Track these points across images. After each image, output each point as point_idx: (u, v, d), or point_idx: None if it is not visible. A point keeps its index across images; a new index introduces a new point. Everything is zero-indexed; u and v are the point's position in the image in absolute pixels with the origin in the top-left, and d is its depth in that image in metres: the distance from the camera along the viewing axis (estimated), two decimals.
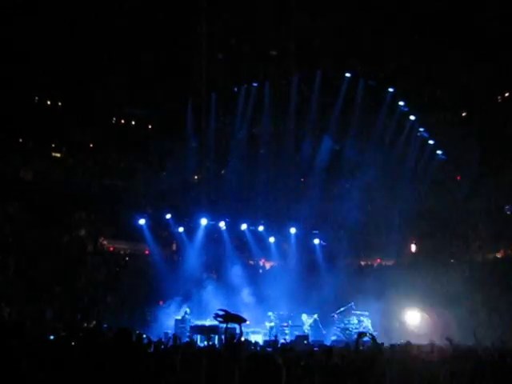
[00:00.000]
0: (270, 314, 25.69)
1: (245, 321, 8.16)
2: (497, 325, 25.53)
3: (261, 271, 33.24)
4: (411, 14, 28.71)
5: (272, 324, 25.44)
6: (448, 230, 33.72)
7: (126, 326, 9.04)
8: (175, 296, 26.09)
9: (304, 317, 26.36)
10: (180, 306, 25.65)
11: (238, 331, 8.92)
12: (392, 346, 15.52)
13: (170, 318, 25.04)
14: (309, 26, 29.05)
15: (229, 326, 8.63)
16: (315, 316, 26.54)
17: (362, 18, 28.99)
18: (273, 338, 23.41)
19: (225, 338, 10.57)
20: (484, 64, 29.74)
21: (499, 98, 33.94)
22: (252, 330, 24.75)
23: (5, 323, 13.67)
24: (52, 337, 13.62)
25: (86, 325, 23.31)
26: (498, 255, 31.73)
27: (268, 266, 33.83)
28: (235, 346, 9.35)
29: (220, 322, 8.40)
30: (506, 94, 33.64)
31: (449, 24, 28.55)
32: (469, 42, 29.07)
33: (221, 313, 8.18)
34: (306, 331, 25.83)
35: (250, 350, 15.66)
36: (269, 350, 17.19)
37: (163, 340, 21.78)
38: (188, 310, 25.04)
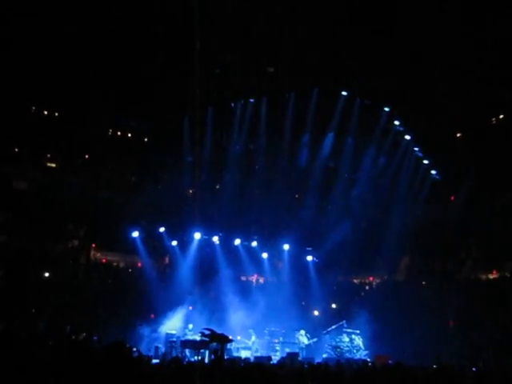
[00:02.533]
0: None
1: (230, 340, 8.19)
2: (486, 345, 25.63)
3: (253, 287, 33.14)
4: (409, 34, 28.94)
5: (253, 339, 25.18)
6: (441, 250, 33.81)
7: (116, 338, 8.98)
8: (167, 309, 25.97)
9: (302, 332, 26.17)
10: (169, 320, 25.52)
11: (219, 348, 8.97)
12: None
13: (161, 332, 24.90)
14: (306, 43, 29.24)
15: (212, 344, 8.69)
16: (307, 334, 26.42)
17: (359, 37, 29.20)
18: (262, 354, 23.35)
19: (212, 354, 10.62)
20: (479, 85, 29.98)
21: (494, 119, 34.17)
22: (243, 345, 24.67)
23: None
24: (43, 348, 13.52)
25: (75, 337, 23.12)
26: (491, 276, 31.77)
27: (261, 281, 33.74)
28: (219, 361, 9.38)
29: (206, 341, 8.45)
30: (501, 116, 33.87)
31: (445, 45, 28.81)
32: (464, 64, 29.32)
33: (206, 332, 8.21)
34: (303, 346, 25.70)
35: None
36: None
37: (153, 354, 21.79)
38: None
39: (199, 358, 21.31)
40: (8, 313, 22.76)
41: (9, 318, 22.37)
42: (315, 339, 26.27)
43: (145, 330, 24.74)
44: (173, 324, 25.13)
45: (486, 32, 27.68)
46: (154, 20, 29.22)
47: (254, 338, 25.13)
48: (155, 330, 24.76)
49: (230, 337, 22.19)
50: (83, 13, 28.12)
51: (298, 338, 26.05)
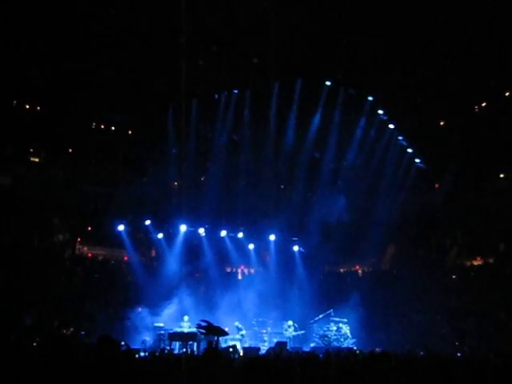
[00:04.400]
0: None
1: (226, 334, 8.21)
2: (473, 332, 25.92)
3: (240, 278, 33.22)
4: (391, 22, 28.97)
5: (243, 332, 25.22)
6: (426, 238, 34.09)
7: (104, 332, 8.97)
8: (153, 302, 25.99)
9: (290, 322, 26.30)
10: (157, 312, 25.56)
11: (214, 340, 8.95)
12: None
13: (149, 325, 24.91)
14: (289, 34, 29.18)
15: (208, 337, 8.66)
16: (295, 324, 26.54)
17: (342, 26, 29.20)
18: (251, 345, 23.46)
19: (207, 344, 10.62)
20: (462, 73, 30.13)
21: (476, 107, 34.41)
22: (231, 336, 24.73)
23: None
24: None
25: (64, 331, 23.07)
26: (475, 263, 32.09)
27: (248, 272, 33.82)
28: (215, 351, 9.39)
29: (202, 333, 8.41)
30: (483, 104, 34.10)
31: (428, 33, 28.89)
32: (448, 51, 29.44)
33: (203, 324, 8.18)
34: (291, 336, 25.84)
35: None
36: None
37: (141, 347, 21.80)
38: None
39: (187, 350, 21.42)
40: None
41: None
42: (303, 331, 26.42)
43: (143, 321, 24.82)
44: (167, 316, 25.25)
45: (469, 19, 27.74)
46: (138, 11, 28.97)
47: (244, 331, 25.16)
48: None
49: (227, 329, 22.30)
50: (63, 5, 27.84)
51: (285, 328, 26.19)
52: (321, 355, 15.01)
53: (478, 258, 32.01)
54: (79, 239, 31.76)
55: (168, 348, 21.95)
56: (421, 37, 29.07)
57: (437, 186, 35.88)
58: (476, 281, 29.95)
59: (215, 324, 8.52)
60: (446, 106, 32.62)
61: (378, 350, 18.43)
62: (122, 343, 14.86)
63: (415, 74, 31.08)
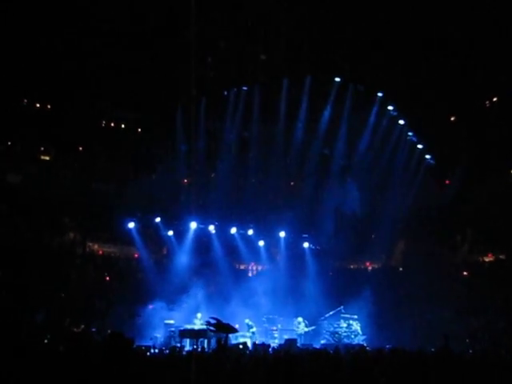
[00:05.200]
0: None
1: (236, 331, 8.20)
2: (486, 328, 25.79)
3: (250, 275, 33.22)
4: (401, 19, 28.84)
5: (254, 329, 25.25)
6: (436, 234, 33.91)
7: (115, 329, 8.99)
8: (164, 299, 26.05)
9: (300, 319, 26.30)
10: (168, 310, 25.63)
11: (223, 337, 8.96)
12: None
13: (159, 322, 24.97)
14: (299, 30, 29.12)
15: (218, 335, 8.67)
16: (305, 320, 26.54)
17: (351, 23, 29.09)
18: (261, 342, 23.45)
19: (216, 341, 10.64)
20: (473, 68, 29.93)
21: (487, 102, 34.15)
22: (242, 334, 24.73)
23: None
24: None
25: (74, 329, 23.19)
26: (487, 259, 31.93)
27: (258, 269, 33.80)
28: (224, 348, 9.41)
29: (211, 330, 8.42)
30: (494, 99, 33.85)
31: (439, 28, 28.73)
32: (458, 46, 29.26)
33: (213, 321, 8.18)
34: (302, 333, 25.85)
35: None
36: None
37: (152, 344, 21.86)
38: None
39: (198, 347, 21.45)
40: (6, 306, 22.79)
41: (7, 311, 22.40)
42: (313, 327, 26.40)
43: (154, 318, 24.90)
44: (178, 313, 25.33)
45: (480, 14, 27.55)
46: (146, 8, 28.99)
47: (254, 328, 25.19)
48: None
49: (237, 326, 22.32)
50: (73, 3, 27.92)
51: (295, 325, 26.18)
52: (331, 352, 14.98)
53: (490, 254, 31.84)
54: (90, 237, 31.85)
55: (179, 345, 22.00)
56: (431, 32, 28.91)
57: (447, 182, 35.69)
58: (487, 277, 29.78)
59: (224, 321, 8.52)
60: (456, 102, 32.39)
61: (387, 346, 18.36)
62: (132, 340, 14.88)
63: (425, 69, 30.88)
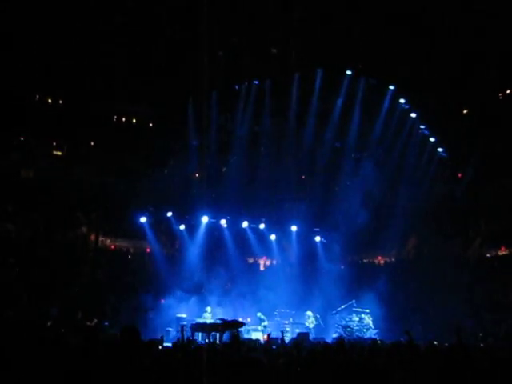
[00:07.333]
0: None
1: (243, 324, 8.28)
2: (497, 323, 25.66)
3: (262, 269, 33.27)
4: (413, 11, 28.63)
5: (265, 323, 25.32)
6: (449, 228, 33.75)
7: (128, 323, 9.05)
8: (176, 293, 26.15)
9: (309, 313, 26.33)
10: (180, 304, 25.71)
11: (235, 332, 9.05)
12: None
13: (171, 316, 25.07)
14: (309, 23, 29.00)
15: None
16: (317, 315, 26.56)
17: (363, 15, 28.92)
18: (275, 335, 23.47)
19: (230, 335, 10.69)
20: (485, 60, 29.69)
21: (500, 95, 33.85)
22: (253, 327, 24.79)
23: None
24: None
25: (88, 323, 23.34)
26: (500, 252, 31.74)
27: (269, 263, 33.86)
28: (238, 342, 9.47)
29: (220, 330, 8.53)
30: (508, 91, 33.56)
31: (450, 20, 28.50)
32: (470, 38, 29.01)
33: (219, 322, 8.28)
34: (311, 326, 25.87)
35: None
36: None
37: (165, 338, 21.93)
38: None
39: (210, 341, 21.49)
40: (20, 301, 22.99)
41: (21, 305, 22.60)
42: (321, 322, 26.41)
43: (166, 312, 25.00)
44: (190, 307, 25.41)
45: (492, 6, 27.29)
46: (158, 4, 28.99)
47: (266, 322, 25.25)
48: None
49: (241, 319, 22.38)
50: None
51: (307, 319, 26.20)
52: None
53: (503, 248, 31.65)
54: (102, 231, 32.02)
55: (191, 339, 22.05)
56: (442, 24, 28.68)
57: (459, 175, 35.46)
58: (500, 271, 29.61)
59: (229, 319, 8.62)
60: (468, 94, 32.15)
61: (402, 340, 18.30)
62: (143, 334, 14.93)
63: (437, 62, 30.65)
